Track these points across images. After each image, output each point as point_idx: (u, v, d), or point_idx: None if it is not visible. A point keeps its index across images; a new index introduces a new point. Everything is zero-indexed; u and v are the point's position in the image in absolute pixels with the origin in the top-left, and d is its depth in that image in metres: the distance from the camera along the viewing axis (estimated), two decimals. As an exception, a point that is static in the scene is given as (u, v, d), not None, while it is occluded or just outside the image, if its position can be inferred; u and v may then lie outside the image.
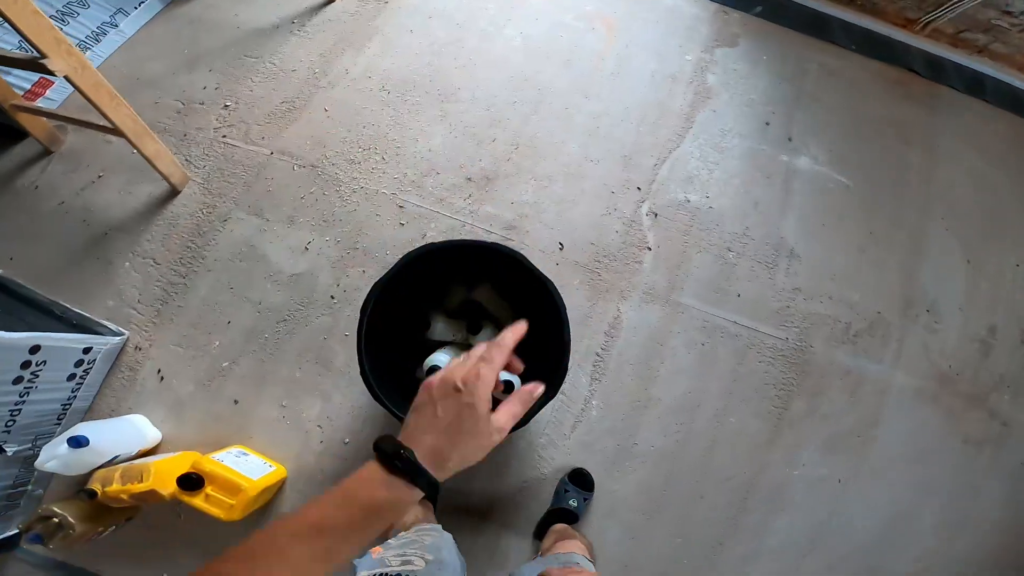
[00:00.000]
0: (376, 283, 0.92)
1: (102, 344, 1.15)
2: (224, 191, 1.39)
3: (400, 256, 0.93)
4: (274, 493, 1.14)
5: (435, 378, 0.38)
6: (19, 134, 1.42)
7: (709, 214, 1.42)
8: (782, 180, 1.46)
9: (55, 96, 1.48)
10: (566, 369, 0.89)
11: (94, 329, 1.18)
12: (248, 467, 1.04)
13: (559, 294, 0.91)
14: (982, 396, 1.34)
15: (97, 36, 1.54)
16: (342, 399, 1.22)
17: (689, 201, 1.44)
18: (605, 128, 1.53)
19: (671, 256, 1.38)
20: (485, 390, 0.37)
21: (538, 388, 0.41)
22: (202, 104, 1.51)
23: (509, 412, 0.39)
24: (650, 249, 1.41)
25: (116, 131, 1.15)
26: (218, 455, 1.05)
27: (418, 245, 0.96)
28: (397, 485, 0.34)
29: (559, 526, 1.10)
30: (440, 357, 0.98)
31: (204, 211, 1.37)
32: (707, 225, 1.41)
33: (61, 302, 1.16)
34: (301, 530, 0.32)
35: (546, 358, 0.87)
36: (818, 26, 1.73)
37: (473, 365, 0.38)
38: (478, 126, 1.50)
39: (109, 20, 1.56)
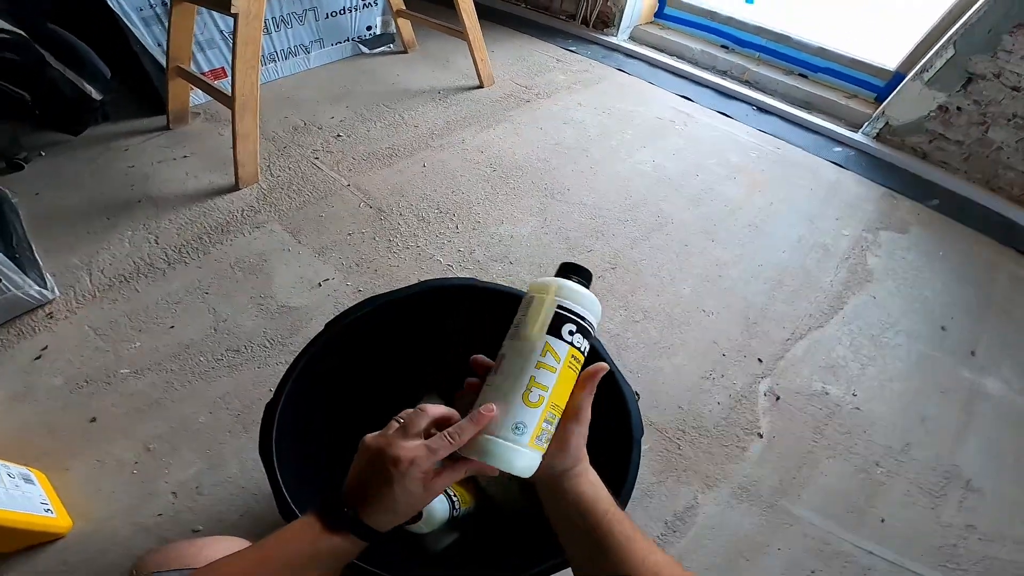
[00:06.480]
0: (346, 315, 0.55)
1: (11, 287, 0.86)
2: (278, 203, 1.17)
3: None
4: (22, 546, 0.70)
5: (373, 445, 0.35)
6: (159, 107, 1.38)
7: (855, 416, 0.96)
8: (963, 400, 1.01)
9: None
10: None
11: (26, 273, 0.91)
12: (7, 494, 0.65)
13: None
14: None
15: (287, 55, 1.57)
16: (236, 474, 0.78)
17: (828, 394, 0.98)
18: (729, 280, 1.11)
19: (790, 453, 0.90)
20: (420, 466, 0.33)
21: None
22: (320, 128, 1.40)
23: (446, 478, 0.35)
24: (761, 436, 0.91)
25: (230, 97, 1.08)
26: None
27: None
28: (330, 536, 0.33)
29: None
30: None
31: (244, 213, 1.14)
32: (850, 428, 0.95)
33: (30, 239, 0.91)
34: None
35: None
36: (1008, 233, 1.32)
37: (414, 447, 0.34)
38: (576, 231, 1.17)
39: (306, 45, 1.60)
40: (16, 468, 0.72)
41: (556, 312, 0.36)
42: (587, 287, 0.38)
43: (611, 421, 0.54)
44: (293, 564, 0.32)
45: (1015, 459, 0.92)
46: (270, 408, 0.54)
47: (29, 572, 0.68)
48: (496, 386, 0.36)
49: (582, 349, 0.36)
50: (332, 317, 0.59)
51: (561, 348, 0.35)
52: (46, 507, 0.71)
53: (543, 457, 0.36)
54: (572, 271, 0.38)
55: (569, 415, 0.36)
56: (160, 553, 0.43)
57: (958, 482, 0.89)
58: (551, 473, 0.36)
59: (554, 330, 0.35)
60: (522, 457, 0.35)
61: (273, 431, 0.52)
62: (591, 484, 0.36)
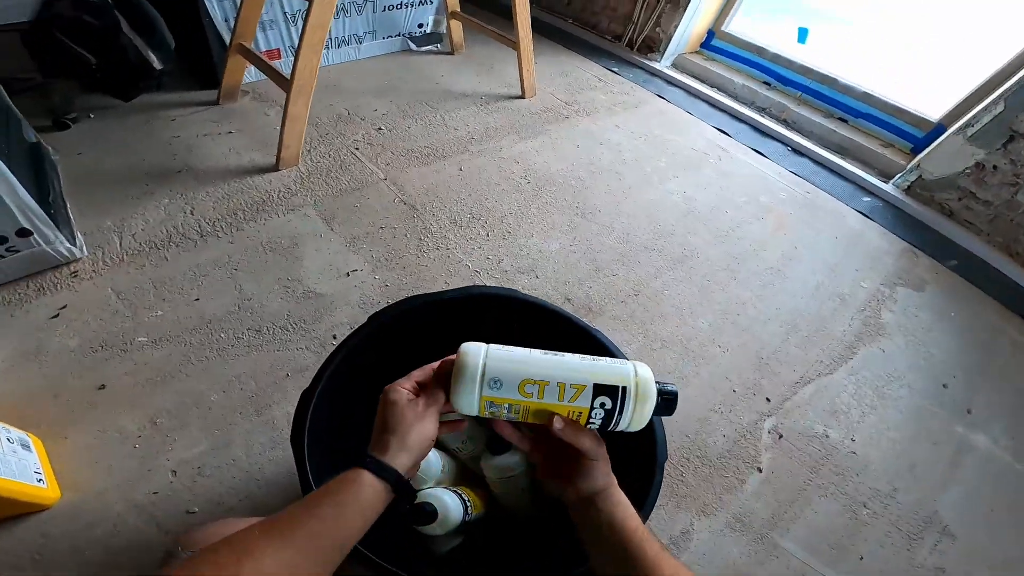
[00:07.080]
0: (388, 310, 0.57)
1: (41, 242, 0.87)
2: (315, 188, 1.19)
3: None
4: (4, 515, 0.67)
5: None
6: (212, 82, 1.41)
7: (850, 459, 0.99)
8: (952, 452, 1.04)
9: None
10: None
11: (59, 229, 0.90)
12: (3, 461, 0.62)
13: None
14: None
15: (340, 43, 1.60)
16: (241, 457, 0.77)
17: (828, 437, 1.01)
18: (746, 319, 1.12)
19: (785, 489, 0.93)
20: (401, 391, 0.40)
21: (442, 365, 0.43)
22: (362, 119, 1.42)
23: (429, 399, 0.41)
24: (760, 471, 0.94)
25: (288, 79, 1.09)
26: None
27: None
28: (354, 475, 0.37)
29: None
30: (437, 495, 0.56)
31: (280, 194, 1.16)
32: (844, 470, 0.97)
33: (66, 197, 0.94)
34: (266, 528, 0.33)
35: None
36: (1017, 300, 1.33)
37: (394, 382, 0.42)
38: (603, 254, 1.18)
39: (360, 35, 1.63)
40: (16, 433, 0.68)
41: (620, 386, 0.38)
42: (656, 410, 0.39)
43: (638, 443, 0.56)
44: (319, 503, 0.35)
45: (991, 509, 0.96)
46: (306, 395, 0.53)
47: (4, 542, 0.65)
48: (534, 354, 0.39)
49: (590, 420, 0.39)
50: (359, 308, 0.59)
51: (583, 401, 0.38)
52: (39, 476, 0.67)
53: (560, 485, 0.41)
54: (663, 391, 0.39)
55: (585, 460, 0.40)
56: (211, 529, 0.44)
57: (935, 527, 0.92)
58: (582, 495, 0.40)
59: (600, 389, 0.37)
60: (468, 399, 0.38)
61: (307, 418, 0.52)
62: (621, 504, 0.40)
